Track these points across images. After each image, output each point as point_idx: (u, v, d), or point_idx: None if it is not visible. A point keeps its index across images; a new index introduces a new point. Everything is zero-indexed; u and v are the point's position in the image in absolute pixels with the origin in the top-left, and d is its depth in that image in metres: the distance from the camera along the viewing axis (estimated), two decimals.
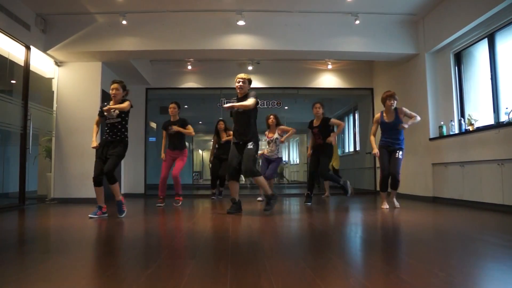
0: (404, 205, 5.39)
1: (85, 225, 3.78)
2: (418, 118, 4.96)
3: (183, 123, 5.68)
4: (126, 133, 4.29)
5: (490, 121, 5.14)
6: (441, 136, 5.83)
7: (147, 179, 8.31)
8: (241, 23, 6.15)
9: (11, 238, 3.12)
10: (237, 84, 4.52)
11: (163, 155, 5.70)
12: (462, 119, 5.61)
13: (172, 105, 5.81)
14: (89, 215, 4.15)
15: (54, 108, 6.61)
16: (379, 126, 5.05)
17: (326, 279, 1.74)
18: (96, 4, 5.83)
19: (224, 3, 5.85)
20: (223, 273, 1.84)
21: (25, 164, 5.65)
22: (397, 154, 4.83)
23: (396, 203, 5.00)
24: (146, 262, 2.15)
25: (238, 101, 4.46)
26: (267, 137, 6.25)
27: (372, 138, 5.12)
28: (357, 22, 6.17)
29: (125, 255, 2.43)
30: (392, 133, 4.91)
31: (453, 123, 5.74)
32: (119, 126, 4.23)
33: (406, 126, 4.82)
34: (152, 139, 9.42)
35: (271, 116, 6.19)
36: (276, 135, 6.12)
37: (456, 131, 5.67)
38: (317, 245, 2.73)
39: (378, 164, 8.08)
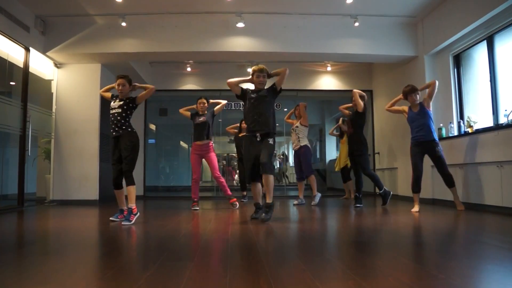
0: (404, 207, 5.39)
1: (84, 227, 3.77)
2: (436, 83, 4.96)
3: (211, 114, 5.50)
4: (130, 124, 3.99)
5: (489, 123, 5.14)
6: (440, 138, 5.80)
7: (146, 181, 8.30)
8: (240, 25, 6.16)
9: (10, 240, 3.11)
10: (257, 80, 4.18)
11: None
12: (461, 121, 5.61)
13: (201, 100, 5.44)
14: (110, 218, 4.04)
15: (53, 110, 6.61)
16: (406, 118, 5.06)
17: (326, 281, 1.74)
18: (96, 6, 5.84)
19: (224, 5, 5.86)
20: (222, 275, 1.83)
21: (24, 166, 5.64)
22: (437, 152, 4.79)
23: (461, 205, 4.89)
24: (145, 264, 2.15)
25: (256, 92, 4.16)
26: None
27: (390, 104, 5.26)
28: (357, 24, 6.18)
29: (125, 257, 2.43)
30: (421, 122, 4.83)
31: (452, 125, 5.74)
32: (122, 119, 3.92)
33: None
34: (151, 141, 9.43)
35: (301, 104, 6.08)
36: (297, 124, 6.01)
37: (455, 133, 5.68)
38: (317, 247, 2.72)
39: (377, 166, 8.12)
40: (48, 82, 6.67)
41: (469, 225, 3.77)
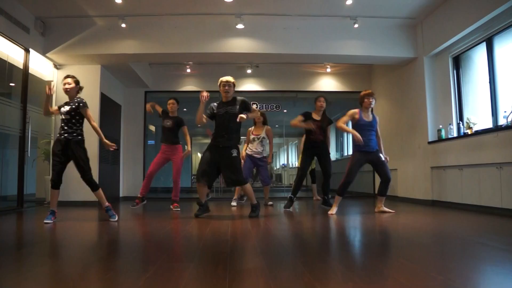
0: (403, 209, 5.39)
1: (83, 228, 3.77)
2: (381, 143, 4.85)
3: (179, 123, 5.68)
4: (82, 132, 4.21)
5: (489, 124, 5.15)
6: (440, 140, 5.83)
7: None
8: (240, 26, 6.16)
9: (9, 241, 3.10)
10: (222, 88, 4.53)
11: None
12: (460, 122, 5.62)
13: (171, 101, 5.81)
14: (44, 221, 4.01)
15: None
16: (354, 126, 4.75)
17: (325, 282, 1.74)
18: (96, 7, 5.85)
19: (223, 7, 5.87)
20: (222, 276, 1.83)
21: (24, 167, 5.64)
22: (381, 158, 4.71)
23: (386, 208, 4.86)
24: (144, 266, 2.14)
25: (224, 106, 4.47)
26: (252, 134, 6.12)
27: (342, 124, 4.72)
28: (356, 25, 6.19)
29: (124, 258, 2.43)
30: (369, 133, 4.69)
31: (451, 127, 5.75)
32: (75, 123, 4.17)
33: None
34: (151, 142, 9.41)
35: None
36: (263, 134, 6.08)
37: (455, 135, 5.68)
38: (316, 248, 2.72)
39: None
40: (48, 83, 6.65)
41: (468, 226, 3.77)
